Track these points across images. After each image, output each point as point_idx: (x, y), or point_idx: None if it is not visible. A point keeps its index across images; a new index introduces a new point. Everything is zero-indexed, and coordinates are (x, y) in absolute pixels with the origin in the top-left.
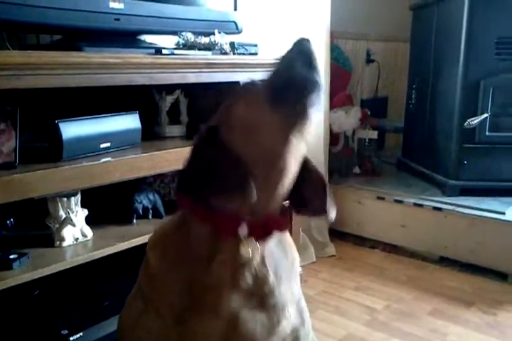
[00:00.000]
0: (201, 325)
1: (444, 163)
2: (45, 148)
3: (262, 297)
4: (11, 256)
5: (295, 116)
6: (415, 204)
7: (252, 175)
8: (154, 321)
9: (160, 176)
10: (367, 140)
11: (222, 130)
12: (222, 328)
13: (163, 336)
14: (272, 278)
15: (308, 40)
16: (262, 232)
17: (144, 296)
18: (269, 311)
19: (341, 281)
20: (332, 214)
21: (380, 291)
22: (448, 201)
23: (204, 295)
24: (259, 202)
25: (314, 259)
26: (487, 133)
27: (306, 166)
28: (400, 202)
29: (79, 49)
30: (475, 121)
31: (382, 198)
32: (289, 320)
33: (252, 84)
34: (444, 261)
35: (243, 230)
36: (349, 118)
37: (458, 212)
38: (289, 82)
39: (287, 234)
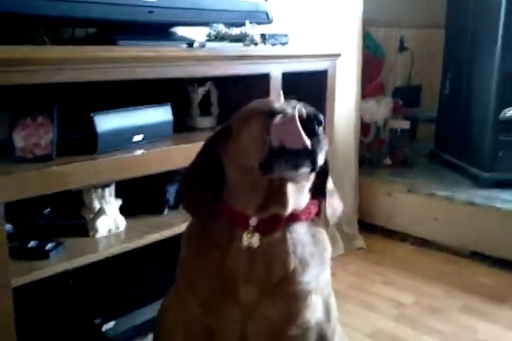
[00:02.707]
0: (222, 311)
1: (479, 155)
2: (81, 141)
3: (282, 284)
4: (48, 246)
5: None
6: (447, 198)
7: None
8: (183, 307)
9: None
10: (399, 130)
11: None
12: (241, 314)
13: (191, 322)
14: (292, 265)
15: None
16: (269, 226)
17: (176, 282)
18: (289, 298)
19: (370, 275)
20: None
21: (410, 286)
22: (481, 194)
23: (223, 282)
24: (270, 206)
25: (343, 251)
26: None
27: None
28: (432, 195)
29: (113, 42)
30: (510, 112)
31: (414, 191)
32: (312, 309)
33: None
34: (476, 256)
35: (253, 222)
36: (381, 108)
37: (491, 205)
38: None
39: (320, 225)
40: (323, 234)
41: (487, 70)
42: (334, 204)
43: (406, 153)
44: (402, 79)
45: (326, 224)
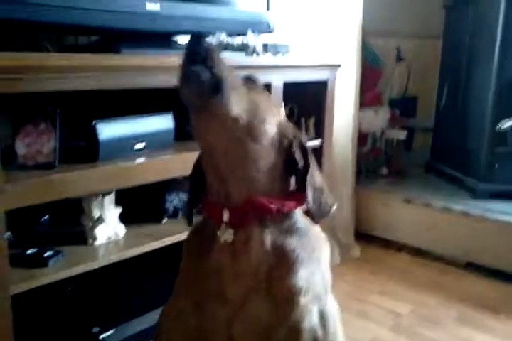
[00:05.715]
0: (211, 310)
1: (475, 166)
2: (82, 148)
3: (266, 282)
4: (47, 254)
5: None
6: (443, 208)
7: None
8: (177, 312)
9: None
10: (395, 140)
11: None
12: (228, 312)
13: (186, 322)
14: (271, 261)
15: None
16: (239, 218)
17: (176, 286)
18: (275, 297)
19: (366, 285)
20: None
21: (405, 296)
22: (477, 205)
23: (212, 281)
24: (229, 188)
25: (339, 262)
26: None
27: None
28: (428, 205)
29: (116, 50)
30: (507, 124)
31: (410, 201)
32: (300, 311)
33: None
34: (471, 267)
35: (225, 216)
36: (378, 119)
37: (487, 216)
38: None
39: (314, 226)
40: (312, 231)
41: (484, 81)
42: (321, 200)
43: (402, 163)
44: (398, 90)
45: (313, 221)
